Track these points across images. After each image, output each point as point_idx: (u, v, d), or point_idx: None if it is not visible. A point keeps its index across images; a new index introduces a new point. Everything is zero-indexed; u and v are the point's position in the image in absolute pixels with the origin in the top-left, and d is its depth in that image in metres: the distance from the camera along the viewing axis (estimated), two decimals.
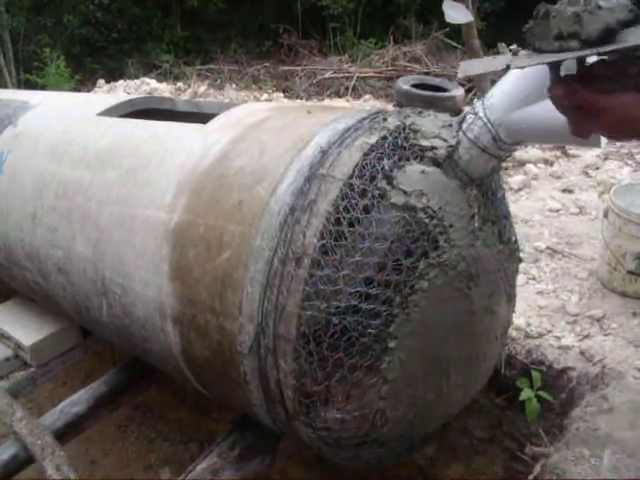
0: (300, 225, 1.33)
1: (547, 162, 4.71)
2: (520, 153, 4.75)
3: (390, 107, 7.76)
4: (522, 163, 4.63)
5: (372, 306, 1.28)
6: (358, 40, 11.18)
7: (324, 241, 1.29)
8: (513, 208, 4.11)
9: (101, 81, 8.66)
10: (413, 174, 1.35)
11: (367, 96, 8.14)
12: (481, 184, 1.47)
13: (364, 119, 1.53)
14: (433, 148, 1.40)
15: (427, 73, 8.24)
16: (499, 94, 1.35)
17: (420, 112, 1.51)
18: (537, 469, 2.13)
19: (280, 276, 1.32)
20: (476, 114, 1.37)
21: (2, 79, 9.62)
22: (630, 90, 0.82)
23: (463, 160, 1.40)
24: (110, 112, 2.19)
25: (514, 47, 7.40)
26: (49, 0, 12.14)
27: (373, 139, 1.41)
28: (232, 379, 1.52)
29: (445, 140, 1.41)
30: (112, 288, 1.79)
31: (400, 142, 1.40)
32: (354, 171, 1.35)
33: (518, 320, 2.70)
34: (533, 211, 3.86)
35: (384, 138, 1.41)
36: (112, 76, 9.96)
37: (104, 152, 1.92)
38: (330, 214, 1.30)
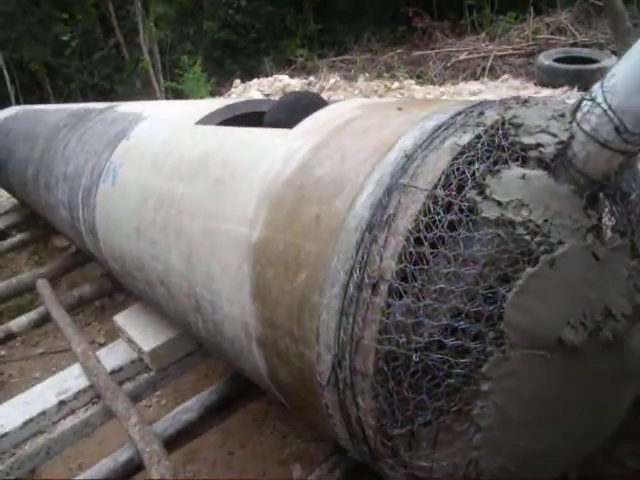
0: (377, 245, 1.15)
1: None
2: None
3: (531, 86, 7.15)
4: None
5: (460, 342, 1.07)
6: (497, 16, 10.45)
7: (403, 265, 1.10)
8: None
9: (237, 81, 8.96)
10: (511, 180, 1.12)
11: (505, 76, 7.56)
12: (605, 186, 1.19)
13: (459, 114, 1.31)
14: (538, 146, 1.15)
15: (574, 44, 7.47)
16: (624, 71, 1.07)
17: (525, 101, 1.25)
18: None
19: (355, 303, 1.16)
20: (593, 100, 1.10)
21: (152, 87, 10.36)
22: None
23: (578, 158, 1.13)
24: (209, 120, 2.15)
25: None
26: (192, 10, 12.84)
27: (465, 139, 1.19)
28: (316, 409, 1.40)
29: (554, 135, 1.15)
30: (203, 304, 1.74)
31: (497, 141, 1.17)
32: (440, 179, 1.14)
33: None
34: None
35: (478, 137, 1.18)
36: (250, 75, 10.29)
37: (196, 163, 1.88)
38: (410, 232, 1.11)
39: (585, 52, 6.86)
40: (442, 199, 1.11)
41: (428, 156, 1.20)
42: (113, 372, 2.58)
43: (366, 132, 1.43)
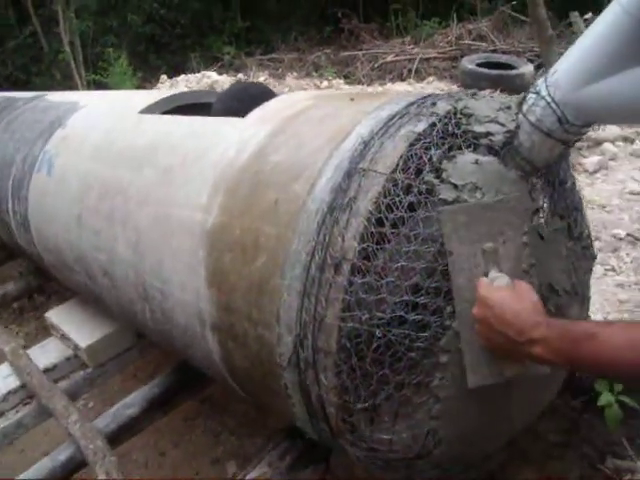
0: (339, 226, 1.19)
1: (627, 140, 4.33)
2: (596, 131, 4.39)
3: (455, 88, 7.43)
4: (598, 142, 4.28)
5: (420, 317, 1.13)
6: (421, 21, 10.78)
7: (365, 244, 1.15)
8: (588, 192, 3.81)
9: (163, 77, 8.77)
10: (465, 165, 1.19)
11: (431, 78, 7.83)
12: (547, 173, 1.28)
13: (411, 104, 1.37)
14: (488, 134, 1.23)
15: (494, 51, 7.83)
16: (565, 68, 1.16)
17: (474, 94, 1.34)
18: None
19: (318, 284, 1.20)
20: (538, 93, 1.19)
21: (73, 81, 9.93)
22: None
23: (524, 147, 1.22)
24: (151, 109, 2.12)
25: (590, 16, 6.87)
26: (115, 2, 12.41)
27: (420, 127, 1.26)
28: (274, 391, 1.42)
29: (502, 125, 1.23)
30: (152, 293, 1.72)
31: (450, 129, 1.24)
32: (398, 164, 1.20)
33: (595, 316, 2.46)
34: (611, 195, 3.56)
35: (432, 125, 1.25)
36: (176, 71, 10.08)
37: (143, 151, 1.86)
38: (371, 214, 1.16)
39: (504, 58, 7.23)
40: (402, 182, 1.17)
41: (385, 143, 1.26)
42: (47, 370, 2.47)
43: (321, 121, 1.47)
